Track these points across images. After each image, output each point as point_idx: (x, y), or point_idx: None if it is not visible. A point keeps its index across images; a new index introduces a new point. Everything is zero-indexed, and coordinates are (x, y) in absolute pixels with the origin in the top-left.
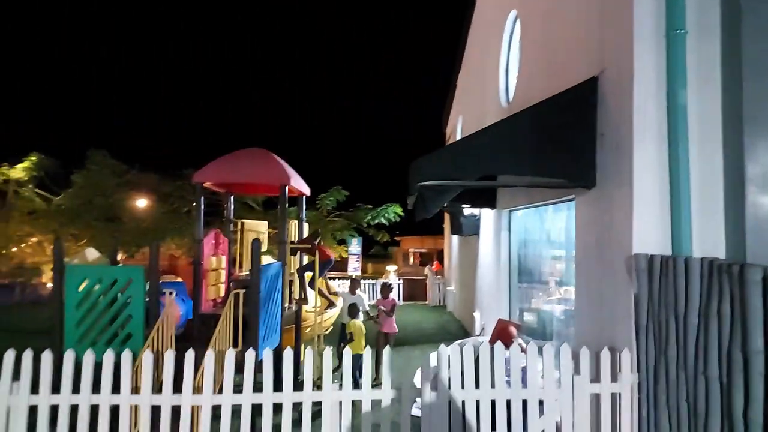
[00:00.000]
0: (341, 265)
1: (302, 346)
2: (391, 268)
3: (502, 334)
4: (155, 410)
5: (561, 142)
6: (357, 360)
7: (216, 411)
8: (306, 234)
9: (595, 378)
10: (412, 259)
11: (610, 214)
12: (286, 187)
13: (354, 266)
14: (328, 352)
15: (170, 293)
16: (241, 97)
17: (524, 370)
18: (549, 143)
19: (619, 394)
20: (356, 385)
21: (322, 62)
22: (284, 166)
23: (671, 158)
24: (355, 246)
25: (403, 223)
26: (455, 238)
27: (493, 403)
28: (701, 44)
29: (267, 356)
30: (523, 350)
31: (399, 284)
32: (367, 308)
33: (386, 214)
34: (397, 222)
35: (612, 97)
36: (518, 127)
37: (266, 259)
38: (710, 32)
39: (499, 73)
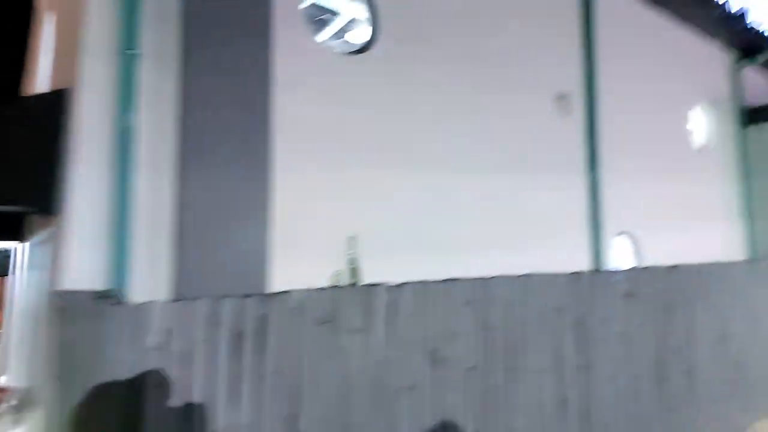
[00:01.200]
0: None
1: None
2: None
3: None
4: None
5: (19, 159)
6: None
7: None
8: None
9: None
10: None
11: (61, 244)
12: None
13: None
14: None
15: None
16: None
17: None
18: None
19: None
20: None
21: None
22: None
23: (115, 185)
24: None
25: None
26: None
27: None
28: (159, 68)
29: None
30: None
31: None
32: None
33: None
34: None
35: (72, 113)
36: None
37: None
38: (168, 58)
39: None
